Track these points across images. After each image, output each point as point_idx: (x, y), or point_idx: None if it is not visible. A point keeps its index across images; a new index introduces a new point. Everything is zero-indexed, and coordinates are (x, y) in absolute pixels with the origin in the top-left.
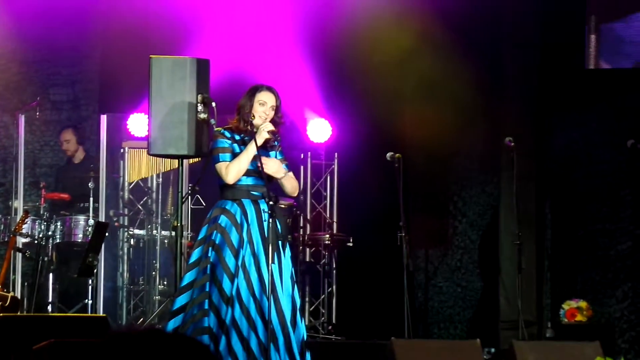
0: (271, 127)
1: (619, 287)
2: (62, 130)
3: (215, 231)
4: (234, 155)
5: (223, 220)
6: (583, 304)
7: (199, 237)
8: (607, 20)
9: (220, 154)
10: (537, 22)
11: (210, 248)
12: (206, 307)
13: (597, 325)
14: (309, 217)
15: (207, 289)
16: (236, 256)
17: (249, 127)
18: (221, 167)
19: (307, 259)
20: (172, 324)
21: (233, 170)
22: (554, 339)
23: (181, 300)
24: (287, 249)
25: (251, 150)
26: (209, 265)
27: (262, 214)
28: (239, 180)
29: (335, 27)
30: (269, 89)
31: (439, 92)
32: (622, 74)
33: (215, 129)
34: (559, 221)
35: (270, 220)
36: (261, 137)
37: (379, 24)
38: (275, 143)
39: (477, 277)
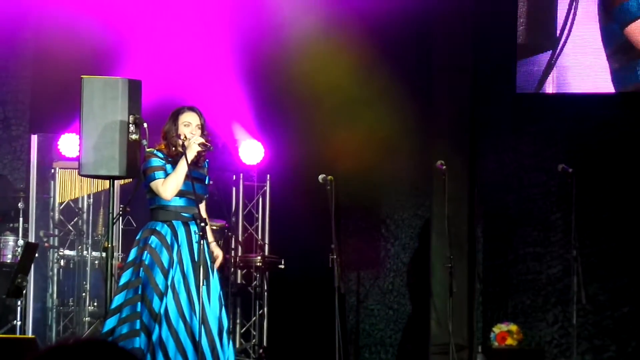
0: (201, 140)
1: (550, 311)
2: None
3: (145, 252)
4: (167, 174)
5: (153, 241)
6: (514, 327)
7: (129, 259)
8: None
9: (155, 172)
10: (468, 45)
11: (141, 269)
12: (138, 327)
13: (527, 349)
14: (240, 239)
15: (139, 309)
16: (166, 276)
17: (179, 150)
18: (157, 184)
19: (239, 281)
20: None
21: (170, 185)
22: None
23: (111, 323)
24: (215, 271)
25: (183, 164)
26: (139, 286)
27: (193, 235)
28: (170, 201)
29: (268, 50)
30: (191, 108)
31: (371, 115)
32: (551, 98)
33: (147, 149)
34: (490, 244)
35: (201, 241)
36: (192, 150)
37: (311, 47)
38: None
39: (408, 300)
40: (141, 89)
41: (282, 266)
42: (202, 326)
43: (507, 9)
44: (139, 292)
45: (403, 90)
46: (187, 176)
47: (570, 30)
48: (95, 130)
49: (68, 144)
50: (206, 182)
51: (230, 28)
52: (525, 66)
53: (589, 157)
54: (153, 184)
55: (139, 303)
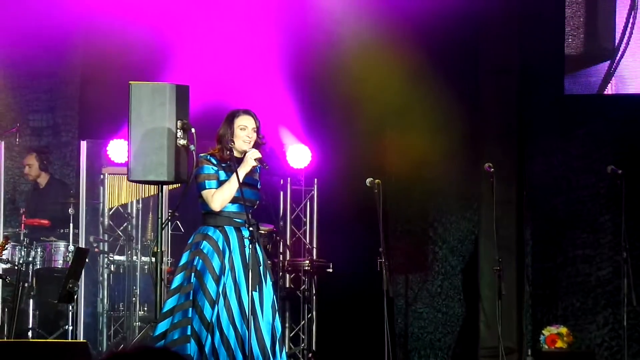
0: (258, 155)
1: (600, 313)
2: (26, 155)
3: (197, 257)
4: (220, 182)
5: (205, 246)
6: (563, 330)
7: (181, 263)
8: None
9: (206, 181)
10: (515, 47)
11: (192, 274)
12: (189, 332)
13: (577, 352)
14: (288, 243)
15: (190, 315)
16: (217, 282)
17: (233, 154)
18: (208, 194)
19: (287, 285)
20: None
21: (219, 198)
22: None
23: (163, 326)
24: (269, 277)
25: (236, 179)
26: (191, 291)
27: (244, 240)
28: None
29: (316, 54)
30: (247, 112)
31: (419, 119)
32: (599, 100)
33: (201, 155)
34: (539, 247)
35: (251, 246)
36: (248, 165)
37: (359, 50)
38: (265, 167)
39: (457, 303)
40: (189, 94)
41: (330, 270)
42: (255, 335)
43: (555, 11)
44: (190, 298)
45: (450, 93)
46: (240, 184)
47: (630, 37)
48: (144, 135)
49: (117, 149)
50: (257, 187)
51: (277, 32)
52: (585, 77)
53: (639, 158)
54: (204, 193)
55: (190, 309)
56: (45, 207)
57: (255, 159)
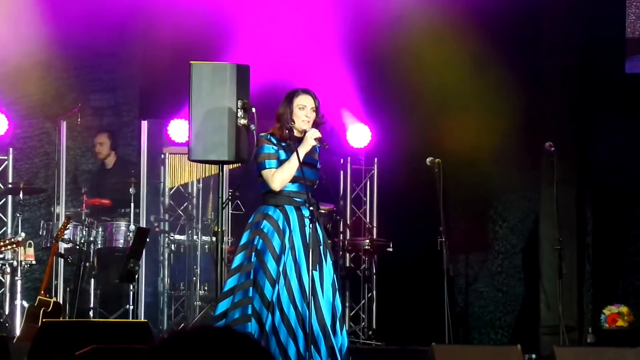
0: (318, 135)
1: None
2: (97, 134)
3: (257, 236)
4: (280, 161)
5: (265, 225)
6: (624, 309)
7: (241, 243)
8: None
9: (266, 161)
10: (577, 25)
11: (253, 253)
12: (249, 312)
13: (638, 330)
14: (348, 223)
15: (250, 294)
16: (278, 262)
17: (293, 133)
18: (268, 174)
19: (347, 264)
20: None
21: (279, 178)
22: (595, 344)
23: (223, 306)
24: (329, 256)
25: (296, 159)
26: (252, 270)
27: (304, 220)
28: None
29: (376, 33)
30: (306, 91)
31: (479, 98)
32: None
33: (261, 134)
34: (599, 226)
35: (311, 226)
36: (308, 144)
37: (419, 30)
38: (325, 147)
39: (517, 282)
40: (249, 73)
41: (391, 249)
42: (315, 314)
43: None
44: (251, 277)
45: (511, 72)
46: (300, 163)
47: None
48: (204, 115)
49: (177, 129)
50: (317, 167)
51: (337, 11)
52: None
53: None
54: (264, 173)
55: (251, 288)
56: (112, 187)
57: (315, 139)
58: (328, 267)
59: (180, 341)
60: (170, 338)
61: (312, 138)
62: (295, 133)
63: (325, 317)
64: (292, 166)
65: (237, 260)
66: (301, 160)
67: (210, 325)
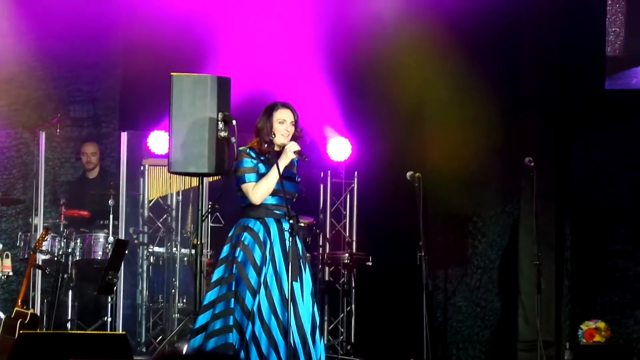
0: (297, 147)
1: (638, 308)
2: (86, 143)
3: (238, 248)
4: (259, 175)
5: (246, 238)
6: (602, 324)
7: (221, 256)
8: None
9: (246, 174)
10: (557, 40)
11: (234, 265)
12: (231, 323)
13: (615, 346)
14: (328, 236)
15: (232, 305)
16: (258, 273)
17: (273, 147)
18: (247, 187)
19: (327, 278)
20: (194, 342)
21: (259, 191)
22: None
23: (203, 319)
24: (307, 268)
25: (275, 172)
26: (232, 282)
27: (284, 232)
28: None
29: (357, 46)
30: (285, 105)
31: (459, 112)
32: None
33: (240, 148)
34: (578, 242)
35: (291, 239)
36: (287, 157)
37: (399, 44)
38: (305, 159)
39: (496, 297)
40: (230, 86)
41: (370, 263)
42: (295, 323)
43: (597, 6)
44: (232, 289)
45: (492, 86)
46: (280, 177)
47: None
48: (185, 127)
49: (157, 141)
50: (296, 180)
51: (317, 24)
52: (625, 79)
53: None
54: (244, 187)
55: (232, 299)
56: (93, 198)
57: (294, 152)
58: (307, 277)
59: None
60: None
61: (291, 151)
62: (275, 147)
63: (305, 326)
64: (271, 179)
65: (217, 273)
66: (280, 173)
67: (205, 351)
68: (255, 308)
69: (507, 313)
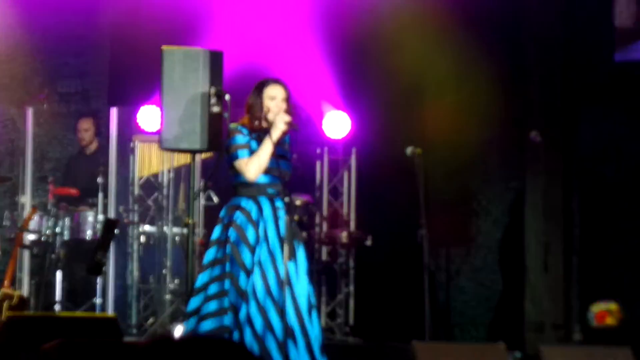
0: (287, 118)
1: None
2: (81, 119)
3: (230, 228)
4: (252, 152)
5: (239, 217)
6: (613, 306)
7: (213, 237)
8: None
9: (239, 150)
10: (562, 11)
11: (227, 245)
12: (226, 305)
13: (628, 328)
14: (325, 215)
15: (227, 287)
16: (252, 253)
17: (263, 125)
18: (241, 163)
19: (324, 258)
20: (188, 326)
21: (253, 166)
22: (583, 343)
23: (196, 302)
24: (301, 247)
25: (268, 144)
26: (227, 263)
27: (277, 211)
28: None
29: (354, 17)
30: (276, 81)
31: (461, 86)
32: None
33: (231, 125)
34: (587, 219)
35: (287, 217)
36: (278, 129)
37: (399, 15)
38: (296, 129)
39: (501, 277)
40: (223, 60)
41: (369, 243)
42: (291, 303)
43: None
44: (227, 270)
45: (494, 59)
46: (272, 154)
47: None
48: (176, 102)
49: (148, 116)
50: (289, 158)
51: None
52: (637, 51)
53: None
54: (237, 163)
55: (227, 280)
56: (94, 175)
57: (284, 122)
58: (301, 256)
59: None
60: (153, 343)
61: (281, 122)
62: (266, 124)
63: (302, 307)
64: (265, 152)
65: (210, 255)
66: (272, 146)
67: (198, 335)
68: (249, 288)
69: (513, 293)
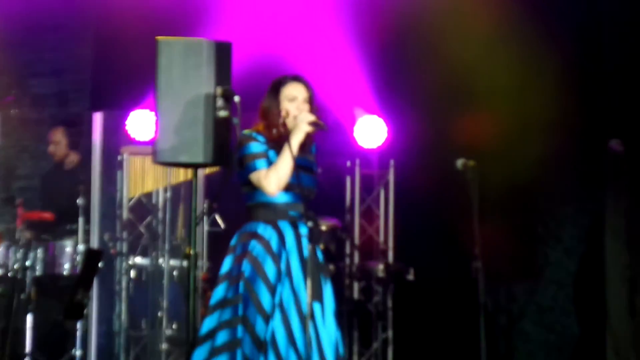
0: (311, 117)
1: None
2: (51, 129)
3: (244, 260)
4: (270, 163)
5: (255, 247)
6: None
7: (223, 271)
8: None
9: (256, 161)
10: None
11: (240, 282)
12: (239, 358)
13: None
14: (356, 243)
15: (239, 335)
16: (272, 293)
17: (282, 131)
18: (259, 176)
19: (356, 297)
20: None
21: (274, 177)
22: None
23: (200, 354)
24: (329, 284)
25: (289, 153)
26: (239, 304)
27: (302, 239)
28: (275, 196)
29: (392, 6)
30: (296, 78)
31: (521, 85)
32: None
33: (244, 131)
34: None
35: (310, 246)
36: (300, 131)
37: (447, 5)
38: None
39: (575, 321)
40: (231, 53)
41: (411, 277)
42: (317, 354)
43: None
44: (239, 313)
45: (564, 54)
46: (294, 165)
47: None
48: (174, 106)
49: (139, 123)
50: (315, 171)
51: None
52: None
53: None
54: (254, 176)
55: (240, 326)
56: (74, 194)
57: (308, 122)
58: (328, 295)
59: None
60: None
61: (304, 122)
62: (285, 132)
63: (328, 359)
64: (286, 161)
65: (219, 293)
66: (295, 152)
67: None
68: (268, 337)
69: (591, 342)
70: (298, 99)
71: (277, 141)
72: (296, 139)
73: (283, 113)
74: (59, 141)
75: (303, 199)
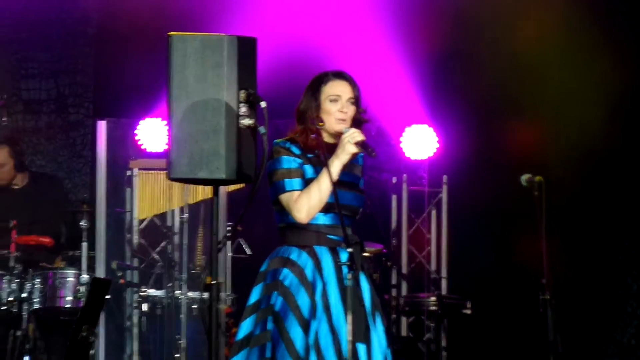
0: (359, 137)
1: None
2: None
3: (275, 292)
4: (306, 181)
5: (287, 276)
6: None
7: (251, 301)
8: None
9: (286, 180)
10: None
11: (269, 317)
12: None
13: None
14: (404, 271)
15: None
16: (306, 330)
17: (323, 139)
18: (289, 199)
19: (404, 334)
20: None
21: (305, 204)
22: None
23: None
24: (379, 319)
25: (327, 177)
26: (267, 344)
27: (342, 267)
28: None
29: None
30: (340, 75)
31: (594, 91)
32: None
33: (276, 141)
34: None
35: (352, 276)
36: (345, 152)
37: (505, 7)
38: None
39: None
40: (257, 50)
41: (468, 311)
42: None
43: None
44: (267, 354)
45: (625, 60)
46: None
47: None
48: (190, 113)
49: (151, 133)
50: (360, 188)
51: None
52: None
53: None
54: (283, 198)
55: None
56: (37, 217)
57: (355, 143)
58: (378, 335)
59: None
60: None
61: (350, 142)
62: (326, 138)
63: None
64: (323, 186)
65: (245, 327)
66: (336, 177)
67: None
68: None
69: None
70: (342, 99)
71: (315, 150)
72: (339, 162)
73: (324, 115)
74: (3, 163)
75: (345, 220)
